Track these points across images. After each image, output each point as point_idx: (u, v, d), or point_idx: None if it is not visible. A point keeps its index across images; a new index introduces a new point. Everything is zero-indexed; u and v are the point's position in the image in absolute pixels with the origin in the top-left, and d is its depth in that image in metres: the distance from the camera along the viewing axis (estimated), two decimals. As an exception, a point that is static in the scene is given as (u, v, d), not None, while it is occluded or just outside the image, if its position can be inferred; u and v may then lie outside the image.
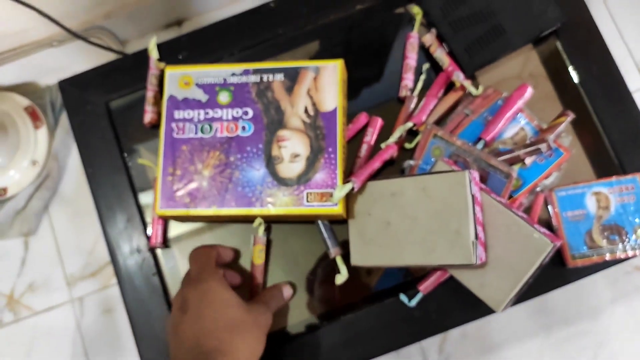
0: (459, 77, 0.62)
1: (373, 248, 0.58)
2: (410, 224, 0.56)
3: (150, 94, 0.65)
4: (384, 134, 0.64)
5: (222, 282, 0.54)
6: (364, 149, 0.63)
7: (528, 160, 0.58)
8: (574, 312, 1.21)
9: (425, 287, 0.61)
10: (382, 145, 0.63)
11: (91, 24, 1.14)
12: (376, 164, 0.60)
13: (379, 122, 0.64)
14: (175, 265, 0.64)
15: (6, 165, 1.17)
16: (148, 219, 0.65)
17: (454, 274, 0.57)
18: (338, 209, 0.57)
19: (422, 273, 0.62)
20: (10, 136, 1.17)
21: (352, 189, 0.57)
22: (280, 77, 0.61)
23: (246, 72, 0.62)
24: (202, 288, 0.52)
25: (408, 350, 1.16)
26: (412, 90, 0.65)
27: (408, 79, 0.65)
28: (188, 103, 0.61)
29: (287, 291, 0.61)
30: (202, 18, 1.28)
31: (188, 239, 0.64)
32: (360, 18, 0.68)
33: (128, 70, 0.68)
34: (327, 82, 0.60)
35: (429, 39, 0.65)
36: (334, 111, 0.59)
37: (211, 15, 1.29)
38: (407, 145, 0.64)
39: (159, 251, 0.64)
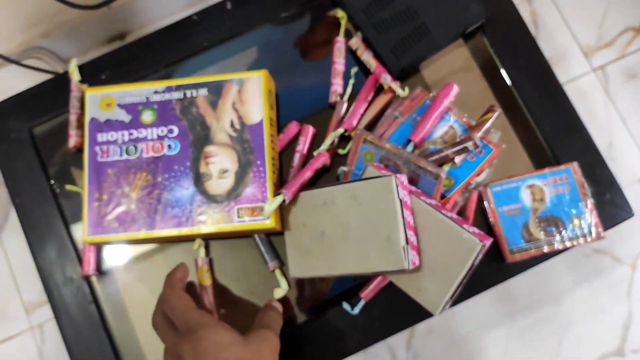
0: (386, 79, 0.62)
1: (310, 259, 0.57)
2: (343, 233, 0.55)
3: (73, 117, 0.63)
4: (317, 142, 0.64)
5: (212, 323, 0.49)
6: (296, 158, 0.62)
7: (458, 159, 0.58)
8: (536, 298, 1.22)
9: (366, 294, 0.60)
10: (315, 153, 0.62)
11: (29, 44, 1.11)
12: (307, 173, 0.59)
13: (310, 130, 0.63)
14: (113, 291, 0.62)
15: (-50, 196, 1.13)
16: (80, 246, 0.63)
17: (392, 280, 0.57)
18: (270, 223, 0.56)
19: (363, 280, 0.61)
20: (-48, 165, 1.13)
21: (284, 201, 0.56)
22: (204, 92, 0.60)
23: (169, 89, 0.60)
24: (195, 338, 0.47)
25: (375, 350, 1.16)
26: (342, 95, 0.64)
27: (337, 84, 0.64)
28: (111, 125, 0.60)
29: (280, 307, 0.57)
30: (145, 30, 1.26)
31: (126, 263, 0.63)
32: (285, 26, 0.67)
33: (50, 94, 0.66)
34: (251, 94, 0.59)
35: (355, 42, 0.64)
36: (260, 123, 0.58)
37: (154, 27, 1.26)
38: (341, 151, 0.63)
39: (94, 279, 0.63)
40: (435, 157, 0.57)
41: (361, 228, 0.54)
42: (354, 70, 0.64)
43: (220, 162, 0.58)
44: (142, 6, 1.20)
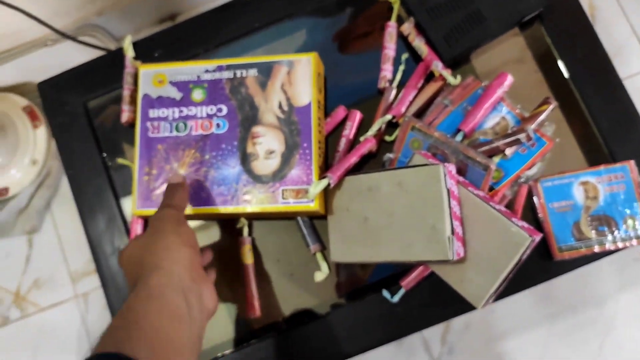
0: (437, 66, 0.60)
1: (352, 244, 0.57)
2: (387, 220, 0.54)
3: (126, 93, 0.64)
4: (363, 127, 0.63)
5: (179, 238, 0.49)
6: (342, 143, 0.62)
7: (509, 151, 0.56)
8: (579, 300, 1.19)
9: (407, 282, 0.59)
10: (361, 139, 0.62)
11: (84, 21, 1.14)
12: (353, 158, 0.59)
13: (357, 115, 0.62)
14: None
15: (6, 165, 1.18)
16: (129, 218, 0.65)
17: (435, 270, 0.56)
18: (314, 206, 0.56)
19: (404, 268, 0.61)
20: (9, 136, 1.18)
21: (328, 184, 0.56)
22: (253, 72, 0.60)
23: (220, 69, 0.60)
24: (158, 237, 0.48)
25: (410, 341, 1.15)
26: (391, 81, 0.63)
27: (387, 69, 0.63)
28: (162, 101, 0.61)
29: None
30: (196, 11, 1.27)
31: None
32: (337, 9, 0.66)
33: (105, 70, 0.68)
34: (300, 76, 0.59)
35: (407, 28, 0.63)
36: (309, 106, 0.58)
37: (204, 9, 1.28)
38: (388, 138, 0.62)
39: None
40: (486, 147, 0.56)
41: (406, 215, 0.53)
42: (405, 56, 0.63)
43: (267, 143, 0.58)
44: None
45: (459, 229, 0.52)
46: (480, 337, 1.17)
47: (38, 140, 1.21)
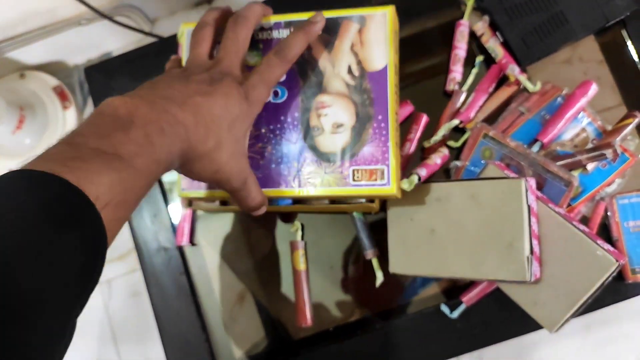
0: (514, 70, 0.57)
1: (415, 256, 0.54)
2: (457, 233, 0.51)
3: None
4: (425, 130, 0.59)
5: (251, 111, 0.45)
6: (407, 147, 0.58)
7: (590, 166, 0.53)
8: (616, 312, 1.15)
9: (468, 298, 0.56)
10: (425, 144, 0.58)
11: (120, 1, 1.11)
12: (435, 165, 0.56)
13: (424, 118, 0.59)
14: (204, 264, 0.61)
15: (35, 146, 1.16)
16: (176, 215, 0.62)
17: (503, 288, 0.53)
18: (391, 189, 0.48)
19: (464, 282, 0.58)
20: (38, 116, 1.15)
21: (419, 178, 0.53)
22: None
23: (277, 26, 0.51)
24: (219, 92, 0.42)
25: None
26: (461, 84, 0.59)
27: (456, 71, 0.59)
28: None
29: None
30: (234, -4, 1.23)
31: (217, 236, 0.61)
32: (404, 4, 0.62)
33: (155, 57, 0.64)
34: (374, 35, 0.49)
35: (481, 27, 0.59)
36: (384, 70, 0.49)
37: (243, -7, 1.24)
38: (452, 144, 0.59)
39: (186, 249, 0.61)
40: (567, 161, 0.52)
41: (479, 231, 0.50)
42: (480, 59, 0.59)
43: (335, 115, 0.49)
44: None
45: (537, 249, 0.49)
46: (511, 343, 1.14)
47: (67, 121, 1.18)
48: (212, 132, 0.41)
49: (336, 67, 0.50)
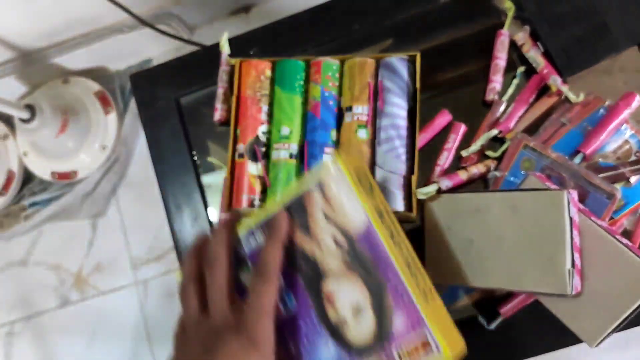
0: (556, 81, 0.56)
1: (451, 266, 0.54)
2: (495, 245, 0.51)
3: (220, 91, 0.63)
4: (463, 139, 0.59)
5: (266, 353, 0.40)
6: (444, 157, 0.59)
7: (633, 179, 0.52)
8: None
9: (506, 310, 0.56)
10: (463, 154, 0.58)
11: (161, 9, 1.14)
12: (463, 178, 0.56)
13: (462, 128, 0.59)
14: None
15: (77, 149, 1.20)
16: (215, 218, 0.63)
17: (543, 301, 0.52)
18: (444, 353, 0.40)
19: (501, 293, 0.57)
20: (81, 120, 1.19)
21: (439, 190, 0.53)
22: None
23: (251, 234, 0.46)
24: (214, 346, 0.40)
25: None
26: (501, 94, 0.59)
27: (496, 81, 0.59)
28: None
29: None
30: (270, 4, 1.25)
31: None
32: (444, 13, 0.63)
33: (199, 66, 0.66)
34: (336, 191, 0.43)
35: (522, 37, 0.59)
36: (369, 225, 0.42)
37: (278, 2, 1.26)
38: (491, 154, 0.59)
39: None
40: (609, 173, 0.52)
41: (518, 242, 0.50)
42: (521, 69, 0.59)
43: (347, 298, 0.43)
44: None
45: (578, 261, 0.48)
46: (546, 357, 1.12)
47: (109, 126, 1.21)
48: None
49: (322, 246, 0.44)
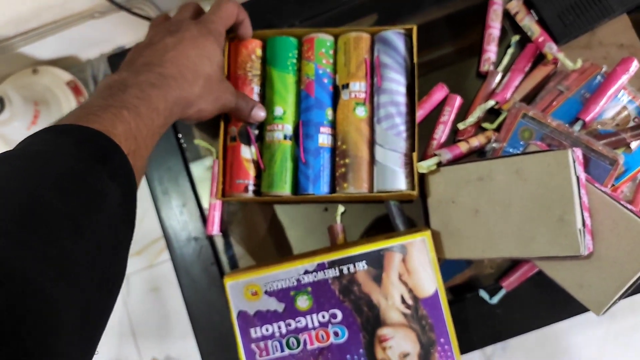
0: (551, 49, 0.55)
1: (460, 239, 0.52)
2: (502, 212, 0.50)
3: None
4: (459, 112, 0.58)
5: (218, 42, 0.50)
6: (440, 130, 0.57)
7: (634, 145, 0.51)
8: (640, 301, 1.14)
9: (508, 283, 0.55)
10: (460, 126, 0.57)
11: (133, -7, 1.09)
12: (463, 150, 0.54)
13: (457, 100, 0.57)
14: (234, 254, 0.60)
15: (50, 142, 1.15)
16: (204, 204, 0.61)
17: (547, 272, 0.51)
18: None
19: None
20: (52, 111, 1.14)
21: (439, 164, 0.52)
22: (362, 265, 0.51)
23: (321, 267, 0.52)
24: (202, 35, 0.48)
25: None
26: (496, 64, 0.58)
27: (491, 51, 0.58)
28: (263, 317, 0.52)
29: (259, 111, 0.55)
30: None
31: (247, 225, 0.60)
32: (435, -17, 0.61)
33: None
34: (418, 261, 0.51)
35: (515, 5, 0.58)
36: (436, 295, 0.51)
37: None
38: (488, 126, 0.57)
39: (216, 239, 0.60)
40: (609, 140, 0.51)
41: (526, 207, 0.49)
42: (515, 38, 0.58)
43: (399, 345, 0.51)
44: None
45: (588, 221, 0.47)
46: (533, 333, 1.13)
47: (82, 116, 1.17)
48: (198, 73, 0.46)
49: (389, 299, 0.51)
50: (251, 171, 0.55)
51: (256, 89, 0.57)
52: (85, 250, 0.30)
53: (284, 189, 0.54)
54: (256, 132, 0.56)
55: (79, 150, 0.33)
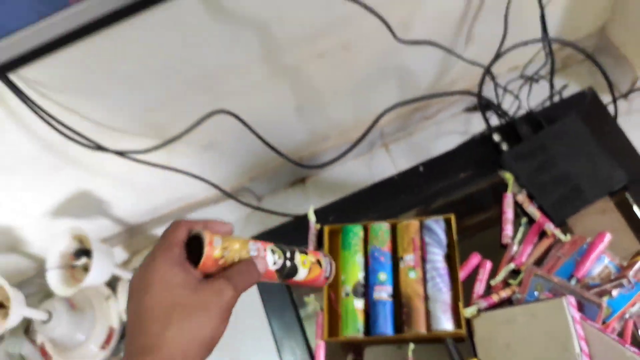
0: (549, 227, 0.81)
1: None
2: (524, 344, 0.71)
3: (311, 248, 0.88)
4: (491, 273, 0.82)
5: (168, 258, 0.44)
6: (477, 286, 0.81)
7: (614, 292, 0.74)
8: None
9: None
10: (492, 283, 0.81)
11: (240, 186, 1.45)
12: (494, 300, 0.78)
13: (488, 264, 0.82)
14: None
15: None
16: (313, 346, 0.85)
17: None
18: None
19: None
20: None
21: (478, 310, 0.75)
22: None
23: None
24: (143, 270, 0.44)
25: None
26: (512, 238, 0.84)
27: (508, 229, 0.84)
28: None
29: (261, 265, 0.48)
30: (322, 175, 1.56)
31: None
32: (464, 184, 0.90)
33: (292, 231, 0.92)
34: None
35: (521, 197, 0.85)
36: None
37: (329, 172, 1.57)
38: (512, 282, 0.81)
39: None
40: (596, 290, 0.74)
41: (540, 340, 0.70)
42: (524, 220, 0.84)
43: None
44: (321, 155, 1.50)
45: (585, 348, 0.68)
46: None
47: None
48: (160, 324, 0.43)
49: None
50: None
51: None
52: None
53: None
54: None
55: None
